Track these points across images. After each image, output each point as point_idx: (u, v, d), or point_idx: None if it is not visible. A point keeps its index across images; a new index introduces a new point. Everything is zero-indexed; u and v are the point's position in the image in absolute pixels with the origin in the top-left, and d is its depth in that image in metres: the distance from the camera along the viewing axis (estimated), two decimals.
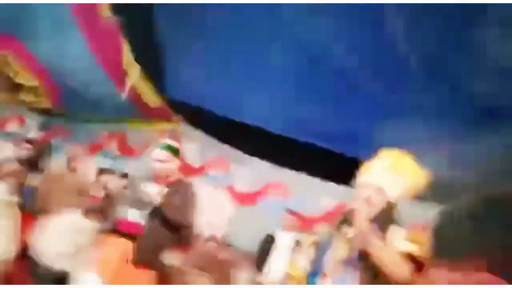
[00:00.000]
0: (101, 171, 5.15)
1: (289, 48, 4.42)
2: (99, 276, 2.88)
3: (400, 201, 2.17)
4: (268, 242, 4.33)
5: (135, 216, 2.99)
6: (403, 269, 1.89)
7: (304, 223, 5.87)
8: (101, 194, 4.76)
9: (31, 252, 3.54)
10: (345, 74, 4.36)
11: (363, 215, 2.03)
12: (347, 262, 2.06)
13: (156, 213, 2.94)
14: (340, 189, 6.04)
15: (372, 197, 2.10)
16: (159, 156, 3.10)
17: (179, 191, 3.07)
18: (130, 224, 2.98)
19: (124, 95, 5.20)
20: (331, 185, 6.07)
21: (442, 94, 3.74)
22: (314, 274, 2.21)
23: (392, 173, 2.12)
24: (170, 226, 2.99)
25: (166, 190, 3.03)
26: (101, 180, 4.93)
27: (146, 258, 2.91)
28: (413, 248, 1.95)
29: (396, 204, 2.12)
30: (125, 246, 2.93)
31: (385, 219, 2.06)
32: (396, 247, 1.96)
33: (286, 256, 4.21)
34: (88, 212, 3.60)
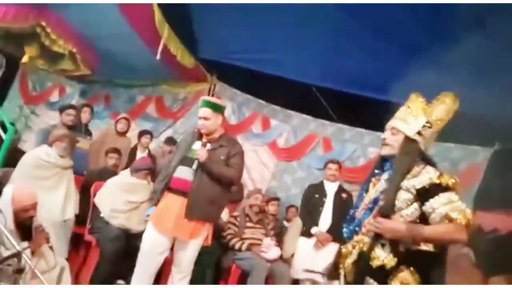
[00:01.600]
0: (142, 133, 5.22)
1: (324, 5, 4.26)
2: (156, 230, 2.97)
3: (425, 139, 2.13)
4: (311, 193, 4.28)
5: (184, 173, 3.02)
6: (457, 237, 1.91)
7: (349, 173, 5.80)
8: (145, 155, 4.86)
9: (92, 210, 3.68)
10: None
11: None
12: (369, 204, 2.11)
13: (203, 168, 2.97)
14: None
15: (387, 137, 2.14)
16: (201, 113, 3.09)
17: (223, 146, 3.08)
18: (180, 180, 3.02)
19: (158, 57, 5.17)
20: (377, 134, 5.92)
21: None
22: (349, 221, 2.25)
23: (405, 112, 2.17)
24: (218, 181, 3.01)
25: (210, 145, 3.04)
26: (144, 142, 5.01)
27: (197, 212, 2.96)
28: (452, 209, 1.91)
29: (416, 140, 2.09)
30: (177, 202, 2.98)
31: (405, 154, 2.07)
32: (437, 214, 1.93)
33: (331, 206, 4.17)
34: (138, 171, 3.66)
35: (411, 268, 1.91)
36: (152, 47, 5.21)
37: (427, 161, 2.07)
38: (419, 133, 2.08)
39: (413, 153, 2.06)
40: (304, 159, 6.13)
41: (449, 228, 1.89)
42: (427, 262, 1.94)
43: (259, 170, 6.25)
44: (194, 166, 2.96)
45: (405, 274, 1.90)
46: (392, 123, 2.17)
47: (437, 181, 1.94)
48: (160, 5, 4.73)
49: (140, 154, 4.86)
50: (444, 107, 2.12)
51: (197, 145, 3.07)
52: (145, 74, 6.38)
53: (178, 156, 3.10)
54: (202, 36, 5.74)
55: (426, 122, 2.09)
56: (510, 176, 4.73)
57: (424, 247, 1.93)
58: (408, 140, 2.08)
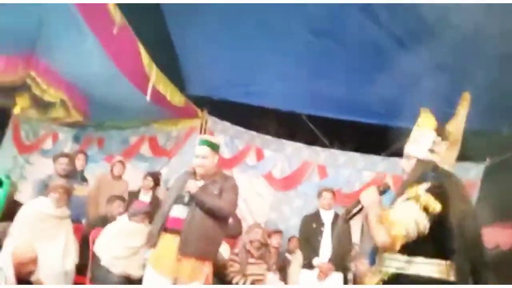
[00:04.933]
0: (145, 176, 5.20)
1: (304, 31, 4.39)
2: (157, 273, 2.94)
3: (439, 155, 2.01)
4: (308, 224, 4.27)
5: (178, 211, 3.02)
6: (377, 239, 1.78)
7: (346, 199, 5.81)
8: (148, 198, 4.84)
9: (92, 259, 3.65)
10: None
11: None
12: None
13: (195, 202, 2.96)
14: (379, 160, 5.97)
15: (404, 165, 2.07)
16: (199, 152, 3.11)
17: (216, 181, 3.09)
18: (175, 220, 3.01)
19: (148, 99, 5.24)
20: (371, 157, 5.99)
21: None
22: None
23: (415, 131, 2.06)
24: (211, 215, 2.98)
25: (203, 182, 3.07)
26: (148, 184, 4.98)
27: (191, 249, 2.91)
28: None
29: (431, 160, 1.97)
30: (174, 242, 2.95)
31: (414, 175, 1.95)
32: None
33: (330, 234, 4.16)
34: (136, 215, 3.66)
35: None
36: (141, 88, 5.27)
37: (439, 177, 1.86)
38: (431, 150, 1.96)
39: (422, 171, 1.92)
40: (301, 188, 6.16)
41: (380, 230, 1.76)
42: None
43: (257, 202, 6.25)
44: (186, 199, 2.96)
45: None
46: (405, 148, 2.07)
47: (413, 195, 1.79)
48: (145, 46, 4.81)
49: (144, 197, 4.83)
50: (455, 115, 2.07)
51: (192, 183, 3.06)
52: (136, 115, 6.43)
53: (173, 196, 3.10)
54: (189, 73, 5.86)
55: (438, 135, 1.96)
56: (504, 189, 4.78)
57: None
58: (420, 161, 1.97)
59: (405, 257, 1.80)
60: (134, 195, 4.83)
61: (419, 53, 4.23)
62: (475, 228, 1.73)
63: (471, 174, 5.18)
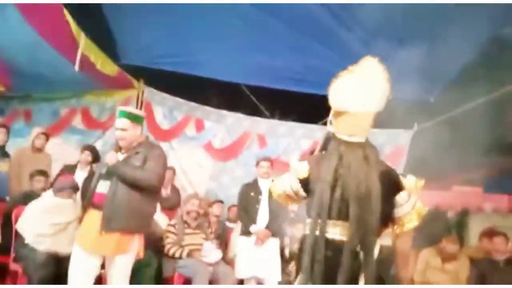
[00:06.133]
0: (83, 149, 4.88)
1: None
2: (82, 249, 2.83)
3: None
4: (247, 192, 4.30)
5: (102, 187, 2.88)
6: None
7: (283, 166, 5.90)
8: (85, 173, 4.55)
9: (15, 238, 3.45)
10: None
11: None
12: None
13: (116, 176, 2.83)
14: (317, 128, 6.09)
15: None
16: (118, 124, 2.95)
17: (140, 152, 2.94)
18: (99, 195, 2.87)
19: (77, 68, 4.93)
20: (309, 126, 6.09)
21: None
22: None
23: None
24: (136, 187, 2.85)
25: (125, 154, 2.94)
26: (85, 158, 4.68)
27: (115, 224, 2.79)
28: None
29: (328, 132, 2.01)
30: (97, 217, 2.81)
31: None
32: None
33: (267, 202, 4.21)
34: (62, 190, 3.46)
35: None
36: (70, 57, 4.96)
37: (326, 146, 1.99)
38: (330, 121, 1.99)
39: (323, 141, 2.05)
40: (241, 158, 6.16)
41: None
42: None
43: (197, 172, 6.19)
44: (103, 171, 2.85)
45: None
46: None
47: None
48: (72, 11, 4.49)
49: (81, 173, 4.52)
50: None
51: (112, 156, 2.91)
52: (66, 86, 6.06)
53: (98, 171, 2.97)
54: (123, 41, 5.55)
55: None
56: (431, 153, 5.08)
57: None
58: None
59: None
60: (70, 169, 4.53)
61: (352, 24, 4.31)
62: (366, 195, 1.72)
63: (400, 141, 5.43)
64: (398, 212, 1.79)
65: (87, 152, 4.65)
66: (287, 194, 1.98)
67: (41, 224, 3.29)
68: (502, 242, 4.13)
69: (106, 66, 5.34)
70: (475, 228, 5.11)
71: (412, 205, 1.79)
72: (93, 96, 6.40)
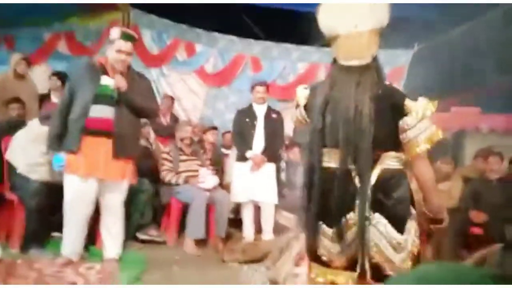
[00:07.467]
0: (52, 75, 4.72)
1: None
2: (81, 176, 2.82)
3: None
4: (242, 118, 4.21)
5: (103, 111, 2.85)
6: None
7: (281, 91, 5.77)
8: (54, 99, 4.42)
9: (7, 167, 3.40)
10: None
11: None
12: None
13: (125, 102, 2.87)
14: (313, 50, 5.85)
15: None
16: (125, 47, 2.89)
17: (136, 79, 3.01)
18: (101, 120, 2.85)
19: None
20: (305, 48, 5.85)
21: None
22: None
23: None
24: (139, 114, 3.00)
25: (123, 80, 2.89)
26: (54, 84, 4.51)
27: (125, 150, 2.89)
28: None
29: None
30: (103, 144, 2.85)
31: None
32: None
33: (263, 127, 4.14)
34: (48, 118, 3.33)
35: None
36: None
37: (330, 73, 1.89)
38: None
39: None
40: (235, 83, 5.99)
41: None
42: None
43: (190, 99, 6.06)
44: (114, 96, 2.84)
45: None
46: None
47: None
48: None
49: (56, 99, 4.39)
50: None
51: (106, 80, 2.88)
52: (47, 8, 5.66)
53: (87, 95, 2.83)
54: None
55: None
56: (430, 72, 4.94)
57: None
58: None
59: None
60: (44, 97, 4.39)
61: None
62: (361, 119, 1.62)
63: (401, 61, 5.26)
64: (404, 137, 1.68)
65: (54, 78, 4.61)
66: (299, 120, 1.90)
67: (31, 154, 3.21)
68: (497, 162, 4.15)
69: None
70: (471, 148, 5.12)
71: (421, 129, 1.67)
72: (76, 19, 6.02)
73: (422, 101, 1.67)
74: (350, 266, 1.67)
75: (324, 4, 1.74)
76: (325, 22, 1.75)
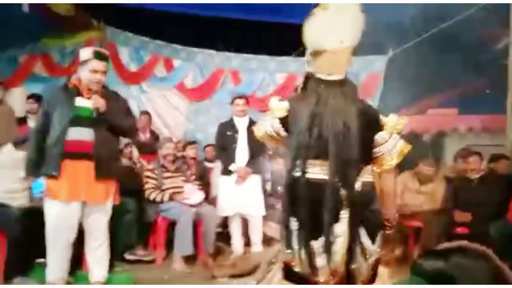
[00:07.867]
0: (27, 99, 4.65)
1: None
2: (63, 201, 2.75)
3: None
4: (223, 131, 4.21)
5: (81, 134, 2.79)
6: None
7: (260, 103, 5.79)
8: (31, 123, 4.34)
9: None
10: None
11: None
12: None
13: (102, 123, 2.83)
14: (291, 60, 5.90)
15: None
16: (100, 67, 2.83)
17: (113, 98, 2.96)
18: (79, 143, 2.78)
19: (26, 9, 4.51)
20: (282, 59, 5.90)
21: None
22: None
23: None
24: (117, 133, 2.97)
25: (100, 100, 2.83)
26: (32, 107, 4.43)
27: (106, 171, 2.84)
28: None
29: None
30: (82, 166, 2.79)
31: None
32: None
33: (245, 140, 4.14)
34: (22, 143, 3.25)
35: None
36: None
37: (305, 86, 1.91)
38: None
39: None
40: (216, 96, 5.99)
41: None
42: None
43: (172, 114, 6.03)
44: (94, 116, 2.79)
45: None
46: None
47: None
48: None
49: (32, 123, 4.30)
50: None
51: (82, 101, 2.82)
52: (18, 30, 5.58)
53: (64, 118, 2.78)
54: None
55: None
56: (406, 77, 5.04)
57: None
58: None
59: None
60: (21, 121, 4.31)
61: None
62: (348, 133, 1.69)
63: (376, 67, 5.34)
64: (378, 151, 1.76)
65: (31, 101, 4.58)
66: (268, 134, 1.90)
67: (7, 181, 3.13)
68: (477, 161, 4.24)
69: (59, 5, 4.90)
70: (451, 149, 5.23)
71: (393, 144, 1.75)
72: (51, 39, 5.94)
73: (393, 117, 1.76)
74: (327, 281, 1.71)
75: (311, 19, 1.78)
76: (312, 37, 1.80)
